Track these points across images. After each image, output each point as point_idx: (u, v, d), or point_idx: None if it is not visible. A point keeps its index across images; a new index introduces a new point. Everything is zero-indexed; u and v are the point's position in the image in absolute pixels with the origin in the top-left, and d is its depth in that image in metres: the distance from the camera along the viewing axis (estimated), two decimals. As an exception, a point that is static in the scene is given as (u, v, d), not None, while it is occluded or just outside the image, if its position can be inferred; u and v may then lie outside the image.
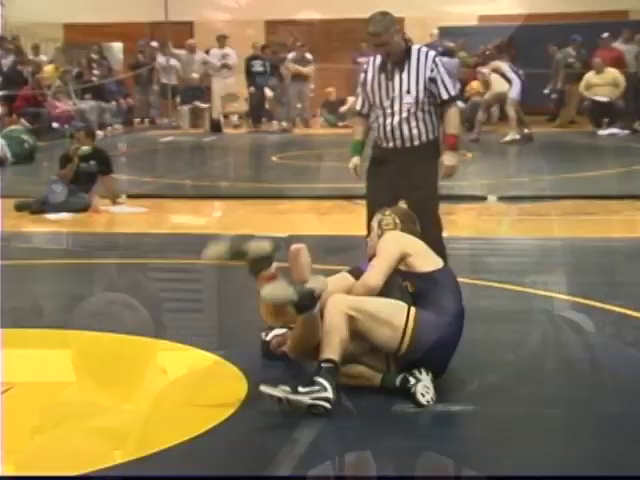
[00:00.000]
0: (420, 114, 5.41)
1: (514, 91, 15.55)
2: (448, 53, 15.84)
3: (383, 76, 5.44)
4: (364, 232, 5.09)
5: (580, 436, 3.81)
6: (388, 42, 5.35)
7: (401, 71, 5.39)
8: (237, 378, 4.47)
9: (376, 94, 5.45)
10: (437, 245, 5.04)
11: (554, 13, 21.23)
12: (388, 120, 5.43)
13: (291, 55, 19.51)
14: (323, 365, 4.11)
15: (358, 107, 5.60)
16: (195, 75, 19.37)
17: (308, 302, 4.26)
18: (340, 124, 19.77)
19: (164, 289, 6.34)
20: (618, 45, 18.86)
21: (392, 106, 5.41)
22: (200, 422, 3.91)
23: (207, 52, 19.83)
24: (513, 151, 15.04)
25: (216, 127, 19.04)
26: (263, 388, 4.01)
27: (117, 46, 22.84)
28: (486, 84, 16.46)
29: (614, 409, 4.06)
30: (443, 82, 5.43)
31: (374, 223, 4.64)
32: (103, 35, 21.94)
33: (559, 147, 15.88)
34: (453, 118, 5.48)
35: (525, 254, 7.26)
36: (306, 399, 3.97)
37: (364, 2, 21.61)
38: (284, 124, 19.14)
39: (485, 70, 16.44)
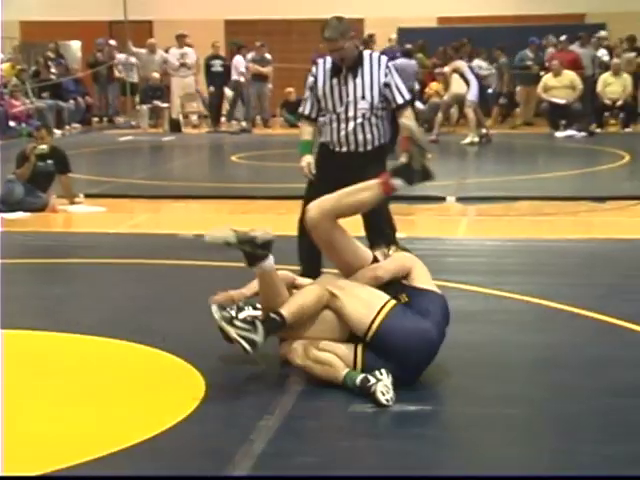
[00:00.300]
0: (374, 119, 5.48)
1: (472, 92, 15.64)
2: (406, 54, 15.89)
3: (336, 81, 5.46)
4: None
5: (537, 436, 3.84)
6: (343, 47, 5.39)
7: (354, 76, 5.43)
8: (194, 378, 4.45)
9: (329, 99, 5.46)
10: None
11: (512, 15, 21.42)
12: (342, 125, 5.46)
13: (250, 55, 19.48)
14: (271, 315, 4.24)
15: (306, 111, 5.56)
16: (156, 74, 19.27)
17: (249, 249, 4.35)
18: (299, 124, 19.77)
19: (121, 289, 6.32)
20: (575, 48, 19.05)
21: (346, 111, 5.44)
22: (157, 422, 3.90)
23: (166, 51, 19.76)
24: (472, 152, 15.12)
25: (175, 127, 18.98)
26: (213, 309, 4.23)
27: (75, 44, 22.69)
28: (447, 84, 16.55)
29: (571, 408, 4.09)
30: (397, 87, 5.50)
31: (379, 255, 4.64)
32: (61, 33, 21.79)
33: (517, 148, 16.02)
34: (407, 122, 5.43)
35: (483, 255, 7.30)
36: (232, 332, 4.14)
37: (324, 3, 21.84)
38: (244, 124, 19.11)
39: (446, 69, 16.51)
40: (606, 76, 17.76)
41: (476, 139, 15.74)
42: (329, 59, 5.50)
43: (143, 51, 19.79)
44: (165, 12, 22.12)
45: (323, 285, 4.42)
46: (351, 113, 5.43)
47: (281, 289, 4.49)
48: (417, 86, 16.00)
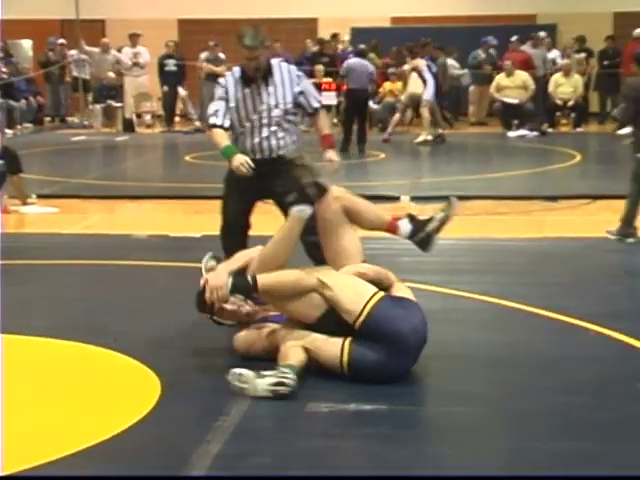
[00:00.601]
0: (286, 125, 5.58)
1: (428, 92, 15.72)
2: (360, 54, 15.88)
3: (248, 90, 5.51)
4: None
5: (493, 434, 3.87)
6: (260, 56, 5.47)
7: (267, 85, 5.51)
8: (149, 379, 4.43)
9: (242, 108, 5.52)
10: (314, 248, 5.23)
11: (465, 16, 21.54)
12: (256, 133, 5.53)
13: (204, 55, 19.41)
14: (247, 275, 4.40)
15: (219, 122, 5.51)
16: (112, 74, 19.15)
17: (310, 181, 4.64)
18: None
19: (74, 290, 6.27)
20: (526, 48, 19.23)
21: (260, 120, 5.52)
22: (113, 423, 3.88)
23: (119, 50, 19.62)
24: (425, 152, 15.20)
25: (129, 127, 18.86)
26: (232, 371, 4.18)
27: (26, 43, 22.43)
28: (406, 83, 16.62)
29: (528, 407, 4.12)
30: (311, 92, 5.67)
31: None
32: (12, 32, 21.52)
33: (470, 148, 16.13)
34: (325, 120, 5.80)
35: (439, 254, 7.27)
36: (269, 379, 4.15)
37: (277, 3, 21.80)
38: (197, 124, 19.03)
39: (406, 67, 16.57)
40: (557, 77, 17.93)
41: (429, 138, 15.83)
42: (237, 69, 5.56)
43: (96, 50, 19.64)
44: (117, 11, 21.94)
45: (312, 273, 4.46)
46: (265, 121, 5.52)
47: (288, 254, 4.56)
48: (371, 87, 15.96)
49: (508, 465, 3.55)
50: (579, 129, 17.82)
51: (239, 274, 4.47)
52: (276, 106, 5.50)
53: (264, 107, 5.50)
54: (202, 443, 3.67)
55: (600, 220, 8.67)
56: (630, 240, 7.52)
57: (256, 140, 5.52)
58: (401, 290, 4.57)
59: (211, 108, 5.57)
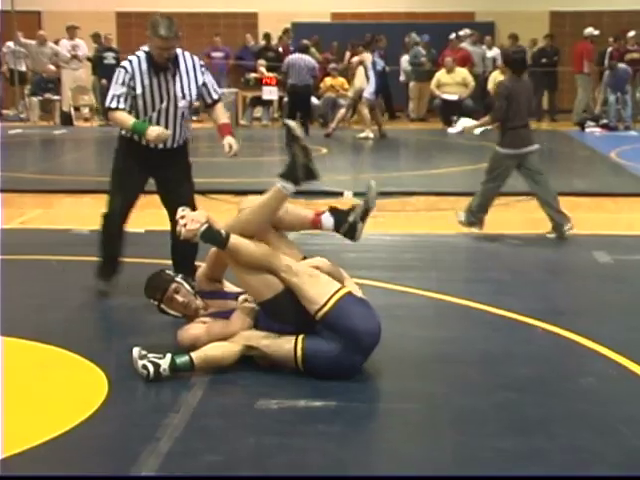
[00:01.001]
0: (187, 116, 5.72)
1: (369, 89, 15.76)
2: (301, 50, 15.89)
3: (156, 79, 5.54)
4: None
5: (439, 430, 3.90)
6: (174, 47, 5.52)
7: (174, 75, 5.56)
8: (96, 376, 4.40)
9: (148, 97, 5.54)
10: (188, 242, 5.31)
11: (404, 12, 21.64)
12: (162, 123, 5.58)
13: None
14: (222, 230, 4.48)
15: (122, 105, 5.49)
16: (52, 67, 18.89)
17: (302, 158, 4.59)
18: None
19: (15, 287, 6.17)
20: (465, 46, 19.39)
21: (167, 110, 5.58)
22: (58, 422, 3.84)
23: (56, 43, 19.37)
24: (367, 147, 15.25)
25: (67, 120, 18.63)
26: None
27: (-41, 35, 22.01)
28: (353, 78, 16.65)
29: (471, 403, 4.17)
30: (212, 84, 5.77)
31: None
32: (-55, 23, 21.15)
33: (411, 144, 16.22)
34: (223, 110, 5.90)
35: (383, 250, 7.37)
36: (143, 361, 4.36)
37: (218, -4, 21.53)
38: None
39: (355, 60, 16.57)
40: (496, 74, 18.09)
41: (371, 135, 15.89)
42: (143, 56, 5.56)
43: (32, 43, 19.37)
44: (54, 3, 21.64)
45: (282, 257, 4.48)
46: (171, 111, 5.58)
47: (260, 225, 4.58)
48: (312, 81, 15.96)
49: (459, 462, 3.58)
50: (517, 126, 17.99)
51: (215, 230, 4.51)
52: (183, 97, 5.58)
53: (171, 98, 5.56)
54: (151, 441, 3.65)
55: (538, 217, 8.78)
56: (474, 229, 7.82)
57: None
58: (352, 287, 4.59)
59: (113, 91, 5.56)
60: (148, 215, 8.97)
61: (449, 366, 4.67)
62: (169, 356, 4.34)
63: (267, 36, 20.23)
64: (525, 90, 7.97)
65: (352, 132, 16.46)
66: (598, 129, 17.16)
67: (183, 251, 5.65)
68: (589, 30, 18.53)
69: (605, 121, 17.38)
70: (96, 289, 5.82)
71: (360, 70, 15.98)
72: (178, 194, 5.65)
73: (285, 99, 16.91)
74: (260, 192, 10.10)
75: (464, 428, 3.91)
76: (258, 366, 4.46)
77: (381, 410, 4.12)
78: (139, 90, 5.50)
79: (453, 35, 19.18)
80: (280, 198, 4.60)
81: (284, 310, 4.43)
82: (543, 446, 3.70)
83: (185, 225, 4.49)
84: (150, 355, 4.35)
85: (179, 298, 4.70)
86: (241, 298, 4.71)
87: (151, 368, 4.29)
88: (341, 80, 18.51)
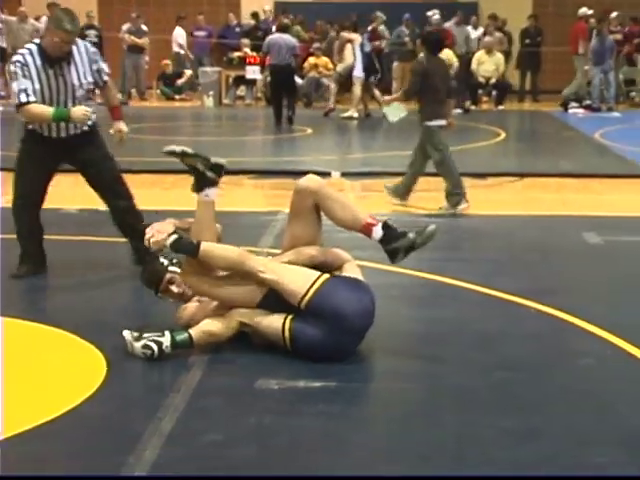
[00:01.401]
0: (87, 102, 5.79)
1: (358, 68, 15.76)
2: (281, 29, 15.69)
3: (52, 72, 5.61)
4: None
5: (441, 411, 3.90)
6: (75, 40, 5.63)
7: (69, 65, 5.64)
8: (94, 356, 4.38)
9: (46, 89, 5.61)
10: (128, 214, 5.94)
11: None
12: None
13: (126, 26, 19.13)
14: (191, 238, 4.47)
15: (32, 98, 5.53)
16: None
17: (202, 166, 4.65)
18: (177, 97, 19.61)
19: (7, 266, 6.14)
20: (449, 26, 19.36)
21: (66, 100, 5.64)
22: (59, 402, 3.83)
23: (37, 20, 19.20)
24: (352, 127, 15.23)
25: (48, 98, 18.48)
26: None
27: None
28: (340, 54, 16.59)
29: (468, 382, 4.19)
30: (103, 68, 5.87)
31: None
32: None
33: (396, 124, 16.14)
34: (114, 92, 6.11)
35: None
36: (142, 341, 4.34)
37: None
38: (119, 96, 18.76)
39: (343, 35, 16.51)
40: (480, 54, 18.11)
41: (355, 114, 15.88)
42: (35, 50, 5.59)
43: (13, 19, 19.19)
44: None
45: (257, 259, 4.49)
46: (70, 101, 5.65)
47: (213, 225, 4.61)
48: (294, 61, 15.78)
49: (461, 440, 3.59)
50: (500, 107, 18.04)
51: (185, 235, 4.50)
52: (80, 86, 5.67)
53: (69, 87, 5.65)
54: (153, 420, 3.65)
55: (528, 197, 8.85)
56: (463, 206, 7.99)
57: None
58: (351, 270, 4.59)
59: (19, 86, 5.57)
60: (137, 194, 8.95)
61: (445, 346, 4.69)
62: (168, 334, 4.33)
63: (255, 15, 20.10)
64: (441, 68, 8.45)
65: (337, 112, 16.40)
66: (581, 110, 17.22)
67: (125, 222, 5.98)
68: (583, 10, 18.47)
69: (588, 102, 17.43)
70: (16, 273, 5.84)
71: (349, 47, 15.95)
72: (99, 173, 5.94)
73: (268, 79, 16.83)
74: (245, 172, 10.17)
75: (463, 407, 3.92)
76: (256, 346, 4.46)
77: (380, 390, 4.13)
78: (37, 85, 5.57)
79: (436, 16, 19.12)
80: (209, 206, 4.62)
81: (277, 305, 4.42)
82: (542, 425, 3.72)
83: (152, 236, 4.45)
84: (146, 335, 4.34)
85: (174, 289, 4.70)
86: None
87: (154, 347, 4.28)
88: (325, 60, 18.46)
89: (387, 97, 9.91)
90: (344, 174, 9.72)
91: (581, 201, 8.81)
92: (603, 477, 3.37)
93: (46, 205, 8.07)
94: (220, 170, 4.66)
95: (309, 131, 14.10)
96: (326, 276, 4.43)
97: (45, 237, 6.79)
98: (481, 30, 19.56)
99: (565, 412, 3.88)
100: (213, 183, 4.63)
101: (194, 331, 4.37)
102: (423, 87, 8.13)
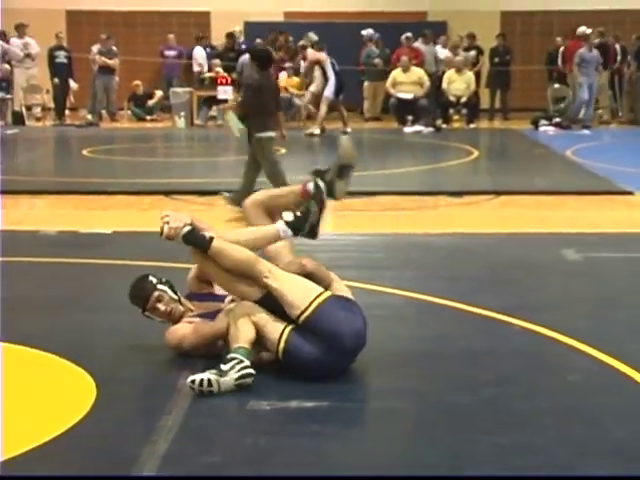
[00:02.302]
0: None
1: (329, 88, 15.83)
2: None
3: None
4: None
5: (435, 429, 3.90)
6: None
7: None
8: (83, 379, 4.34)
9: None
10: None
11: (355, 12, 21.72)
12: None
13: (96, 47, 19.10)
14: (206, 233, 4.47)
15: None
16: (7, 66, 18.66)
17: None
18: (148, 118, 19.58)
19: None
20: (419, 45, 19.51)
21: None
22: (53, 425, 3.79)
23: (6, 41, 19.11)
24: (325, 146, 15.25)
25: (18, 119, 18.43)
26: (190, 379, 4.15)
27: None
28: (309, 76, 16.66)
29: (460, 400, 4.19)
30: None
31: None
32: None
33: (367, 143, 16.26)
34: None
35: (353, 250, 7.38)
36: (232, 374, 4.15)
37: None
38: (89, 117, 18.74)
39: (310, 54, 16.57)
40: (450, 73, 18.23)
41: (317, 132, 16.06)
42: None
43: (-19, 40, 19.13)
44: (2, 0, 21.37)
45: (265, 264, 4.47)
46: None
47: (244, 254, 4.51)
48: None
49: (457, 458, 3.59)
50: (472, 125, 18.17)
51: (200, 229, 4.51)
52: None
53: None
54: (148, 443, 3.62)
55: (505, 215, 8.90)
56: None
57: None
58: (341, 289, 4.60)
59: None
60: (115, 216, 8.94)
61: (435, 364, 4.69)
62: (238, 356, 4.24)
63: (231, 35, 20.10)
64: (270, 83, 9.24)
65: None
66: (551, 128, 17.36)
67: None
68: (582, 29, 18.59)
69: (558, 120, 17.58)
70: None
71: (317, 71, 16.04)
72: None
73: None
74: (219, 192, 10.14)
75: (457, 424, 3.92)
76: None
77: (374, 409, 4.12)
78: None
79: (407, 34, 19.26)
80: (274, 239, 4.60)
81: (277, 307, 4.41)
82: (535, 439, 3.73)
83: (168, 223, 4.45)
84: (222, 368, 4.20)
85: (161, 307, 4.66)
86: (228, 299, 4.70)
87: (250, 372, 4.22)
88: (296, 80, 18.52)
89: (227, 105, 10.67)
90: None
91: (558, 218, 8.87)
92: (602, 477, 3.41)
93: (24, 227, 8.10)
94: (311, 236, 4.66)
95: (283, 151, 14.09)
96: (328, 293, 4.43)
97: (23, 259, 6.77)
98: (445, 50, 19.67)
99: (554, 426, 3.89)
100: (297, 233, 4.61)
101: (246, 344, 4.31)
102: (254, 101, 8.72)
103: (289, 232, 4.58)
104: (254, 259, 4.46)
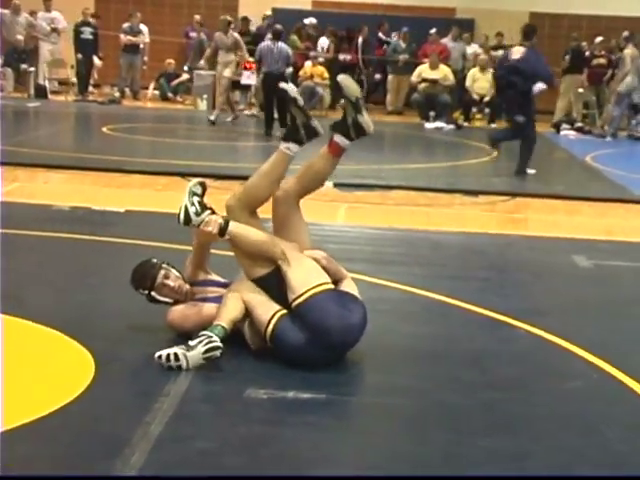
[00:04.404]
0: None
1: None
2: (276, 36, 15.02)
3: None
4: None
5: (428, 428, 3.89)
6: None
7: None
8: (83, 357, 4.35)
9: None
10: None
11: (384, 4, 21.65)
12: None
13: (126, 25, 19.12)
14: (220, 219, 4.50)
15: None
16: (20, 37, 18.67)
17: (302, 118, 4.64)
18: (172, 97, 19.61)
19: (1, 263, 6.11)
20: (446, 41, 19.43)
21: None
22: (47, 402, 3.79)
23: (32, 14, 19.14)
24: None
25: (41, 93, 18.45)
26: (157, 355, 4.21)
27: None
28: None
29: (457, 400, 4.18)
30: None
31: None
32: None
33: (388, 137, 16.21)
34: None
35: (364, 243, 7.37)
36: (199, 348, 4.20)
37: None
38: (117, 93, 18.80)
39: None
40: (474, 71, 18.16)
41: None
42: None
43: (6, 12, 19.13)
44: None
45: (279, 245, 4.49)
46: None
47: (269, 189, 4.59)
48: (289, 69, 15.54)
49: (447, 459, 3.58)
50: (493, 125, 18.08)
51: (215, 216, 4.55)
52: None
53: None
54: (142, 425, 3.63)
55: (519, 218, 8.86)
56: None
57: None
58: (349, 286, 4.59)
59: None
60: (129, 195, 8.96)
61: (434, 363, 4.68)
62: (208, 334, 4.28)
63: (245, 20, 20.04)
64: None
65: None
66: (573, 132, 17.27)
67: None
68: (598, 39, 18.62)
69: (580, 124, 17.49)
70: None
71: None
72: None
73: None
74: (237, 177, 10.20)
75: (451, 425, 3.92)
76: (245, 353, 4.45)
77: (370, 404, 4.11)
78: None
79: (434, 30, 19.20)
80: (285, 160, 4.62)
81: (272, 288, 4.44)
82: (528, 445, 3.72)
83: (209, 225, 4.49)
84: (189, 344, 4.26)
85: (170, 283, 4.69)
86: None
87: (217, 345, 4.24)
88: (320, 69, 18.48)
89: None
90: (336, 185, 9.70)
91: (572, 223, 8.84)
92: (603, 477, 3.41)
93: (37, 201, 8.13)
94: (313, 135, 4.64)
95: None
96: (326, 286, 4.43)
97: (35, 233, 6.79)
98: (476, 46, 19.60)
99: (551, 434, 3.88)
100: (299, 142, 4.62)
101: (226, 322, 4.35)
102: None
103: (293, 147, 4.60)
104: (269, 243, 4.48)
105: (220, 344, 4.23)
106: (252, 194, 4.60)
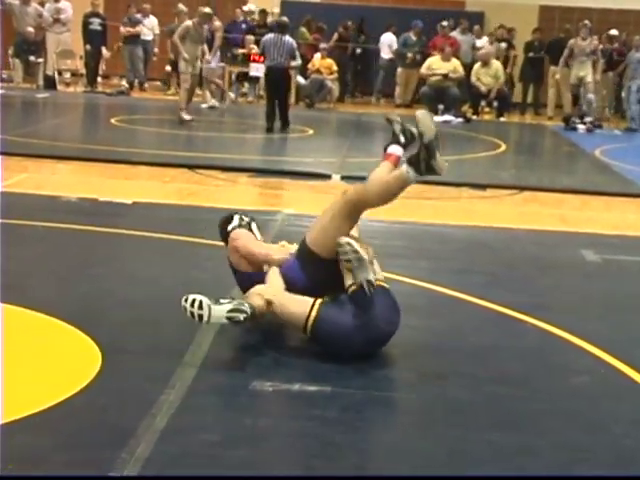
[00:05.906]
0: None
1: None
2: (281, 29, 14.19)
3: None
4: (209, 202, 5.10)
5: (434, 422, 3.89)
6: None
7: None
8: (89, 347, 4.35)
9: None
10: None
11: (394, -3, 21.62)
12: None
13: (139, 16, 19.14)
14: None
15: None
16: (30, 29, 18.67)
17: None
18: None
19: (3, 249, 6.11)
20: (455, 34, 19.38)
21: None
22: (54, 393, 3.80)
23: (41, 4, 19.15)
24: (355, 129, 15.18)
25: (50, 83, 18.47)
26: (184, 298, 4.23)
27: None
28: None
29: (463, 395, 4.18)
30: None
31: None
32: None
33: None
34: None
35: (370, 235, 7.30)
36: (226, 305, 4.19)
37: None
38: (126, 85, 18.81)
39: None
40: (477, 68, 18.03)
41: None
42: None
43: (16, 2, 19.14)
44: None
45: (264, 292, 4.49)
46: None
47: (381, 200, 4.77)
48: (296, 62, 15.26)
49: (452, 454, 3.58)
50: (502, 118, 18.05)
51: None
52: None
53: None
54: (147, 417, 3.63)
55: (527, 212, 8.83)
56: None
57: None
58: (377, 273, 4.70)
59: None
60: (136, 186, 8.96)
61: (441, 357, 4.67)
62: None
63: (263, 12, 19.99)
64: None
65: (337, 113, 16.40)
66: (582, 126, 17.21)
67: None
68: (613, 31, 18.52)
69: (589, 118, 17.42)
70: None
71: None
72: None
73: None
74: (245, 169, 10.21)
75: (456, 420, 3.91)
76: (250, 346, 4.45)
77: (375, 398, 4.11)
78: None
79: (445, 23, 19.16)
80: (402, 182, 4.61)
81: (322, 272, 4.49)
82: (534, 441, 3.71)
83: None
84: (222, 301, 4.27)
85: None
86: (280, 243, 4.88)
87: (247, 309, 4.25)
88: (329, 61, 18.47)
89: None
90: (344, 177, 9.70)
91: (580, 218, 8.82)
92: (602, 477, 3.40)
93: (45, 192, 8.13)
94: (432, 173, 4.65)
95: (310, 132, 14.07)
96: (319, 301, 4.41)
97: (43, 224, 6.79)
98: (485, 39, 19.55)
99: (557, 429, 3.87)
100: (419, 173, 4.62)
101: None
102: None
103: (412, 175, 4.59)
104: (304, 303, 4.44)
105: (248, 311, 4.20)
106: (365, 194, 4.69)
